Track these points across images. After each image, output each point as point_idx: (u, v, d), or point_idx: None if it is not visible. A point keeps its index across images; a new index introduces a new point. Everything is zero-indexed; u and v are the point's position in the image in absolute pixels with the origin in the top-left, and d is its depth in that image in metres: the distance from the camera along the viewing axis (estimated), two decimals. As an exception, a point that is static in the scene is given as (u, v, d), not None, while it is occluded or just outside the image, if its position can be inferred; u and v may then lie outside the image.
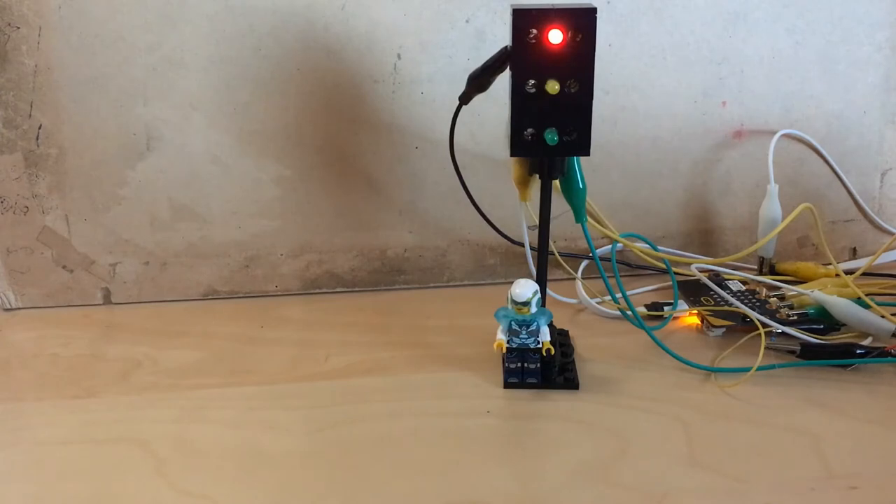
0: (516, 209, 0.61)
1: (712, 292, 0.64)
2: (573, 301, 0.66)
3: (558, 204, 0.55)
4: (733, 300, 0.62)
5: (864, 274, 0.66)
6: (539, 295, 0.52)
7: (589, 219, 0.57)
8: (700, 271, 0.65)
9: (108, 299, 0.68)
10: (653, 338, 0.56)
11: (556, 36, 0.47)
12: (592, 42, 0.48)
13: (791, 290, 0.63)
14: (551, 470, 0.46)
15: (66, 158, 0.63)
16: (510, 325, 0.53)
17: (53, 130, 0.62)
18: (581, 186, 0.54)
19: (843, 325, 0.59)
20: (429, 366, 0.57)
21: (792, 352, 0.56)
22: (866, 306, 0.59)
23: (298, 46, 0.62)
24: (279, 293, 0.69)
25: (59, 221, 0.65)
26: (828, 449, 0.47)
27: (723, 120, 0.68)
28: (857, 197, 0.72)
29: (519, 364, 0.54)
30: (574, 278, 0.66)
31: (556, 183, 0.53)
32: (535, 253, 0.55)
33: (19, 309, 0.67)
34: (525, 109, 0.49)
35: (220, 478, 0.46)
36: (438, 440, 0.49)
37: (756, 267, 0.68)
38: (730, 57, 0.66)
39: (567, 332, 0.60)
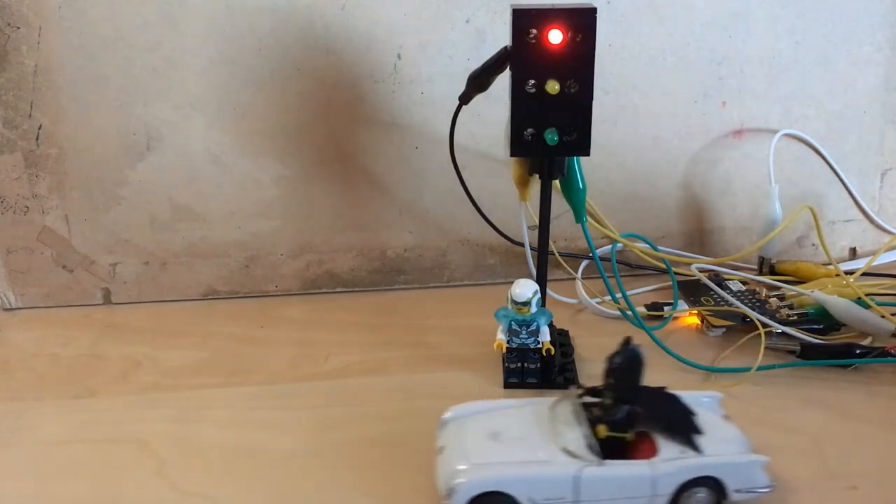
0: (516, 209, 0.61)
1: (712, 292, 0.64)
2: (573, 301, 0.65)
3: (558, 204, 0.55)
4: (733, 300, 0.62)
5: (864, 274, 0.66)
6: (539, 295, 0.52)
7: (589, 219, 0.57)
8: (700, 271, 0.65)
9: (108, 299, 0.68)
10: (653, 338, 0.56)
11: (556, 36, 0.47)
12: (592, 42, 0.48)
13: (791, 290, 0.63)
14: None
15: (66, 158, 0.63)
16: (510, 325, 0.53)
17: (53, 130, 0.62)
18: (581, 186, 0.54)
19: (843, 325, 0.59)
20: (429, 366, 0.57)
21: (792, 352, 0.56)
22: (866, 306, 0.59)
23: (298, 46, 0.62)
24: (279, 293, 0.69)
25: (59, 221, 0.65)
26: (828, 449, 0.47)
27: (723, 120, 0.68)
28: (857, 197, 0.72)
29: (519, 364, 0.54)
30: (574, 278, 0.66)
31: (556, 183, 0.53)
32: (535, 253, 0.55)
33: (19, 309, 0.67)
34: (525, 109, 0.49)
35: (220, 478, 0.46)
36: (438, 440, 0.49)
37: (756, 267, 0.68)
38: (730, 57, 0.66)
39: (567, 332, 0.60)
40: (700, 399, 0.45)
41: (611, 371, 0.42)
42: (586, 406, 0.43)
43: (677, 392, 0.44)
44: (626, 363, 0.41)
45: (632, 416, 0.41)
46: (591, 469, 0.39)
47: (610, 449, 0.40)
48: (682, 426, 0.41)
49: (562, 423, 0.42)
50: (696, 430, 0.41)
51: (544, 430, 0.42)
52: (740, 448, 0.41)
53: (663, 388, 0.44)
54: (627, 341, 0.42)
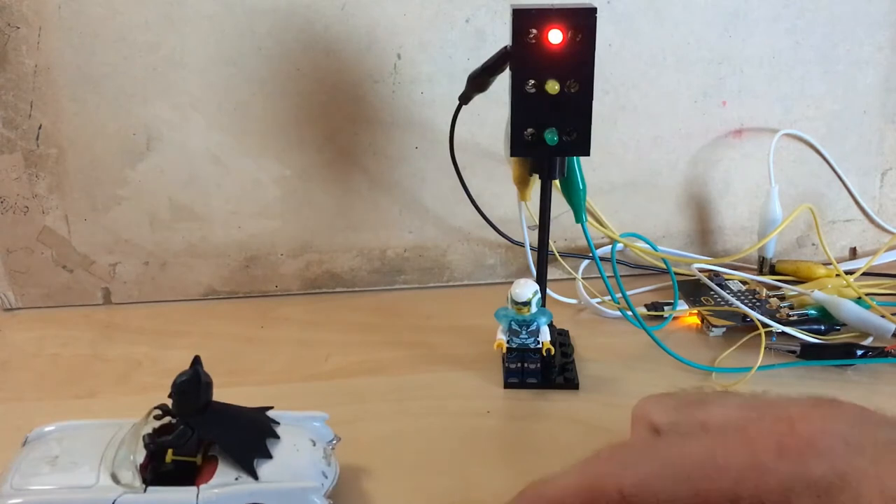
0: (516, 209, 0.61)
1: (712, 292, 0.64)
2: (573, 301, 0.65)
3: (558, 204, 0.55)
4: (733, 300, 0.62)
5: (864, 274, 0.66)
6: (539, 295, 0.52)
7: (589, 219, 0.57)
8: (700, 271, 0.65)
9: (108, 299, 0.68)
10: (653, 338, 0.56)
11: (556, 36, 0.47)
12: (592, 42, 0.48)
13: (791, 290, 0.63)
14: (551, 470, 0.46)
15: (66, 158, 0.63)
16: (510, 325, 0.53)
17: (53, 130, 0.62)
18: (581, 186, 0.54)
19: (843, 325, 0.59)
20: (429, 366, 0.57)
21: (792, 352, 0.56)
22: (866, 306, 0.59)
23: (298, 46, 0.62)
24: (279, 293, 0.69)
25: (59, 221, 0.65)
26: (828, 449, 0.47)
27: (723, 120, 0.68)
28: (857, 197, 0.72)
29: (519, 364, 0.54)
30: (574, 278, 0.66)
31: (556, 183, 0.53)
32: (535, 253, 0.55)
33: (19, 309, 0.67)
34: (525, 109, 0.49)
35: (220, 478, 0.46)
36: (438, 440, 0.49)
37: (756, 267, 0.68)
38: (730, 57, 0.66)
39: (567, 332, 0.60)
40: (303, 420, 0.44)
41: (172, 392, 0.40)
42: (163, 428, 0.41)
43: (277, 412, 0.43)
44: (186, 384, 0.40)
45: (199, 438, 0.40)
46: (130, 496, 0.38)
47: (179, 474, 0.39)
48: (248, 450, 0.40)
49: (128, 446, 0.40)
50: (264, 455, 0.40)
51: (109, 453, 0.40)
52: (308, 474, 0.40)
53: (265, 408, 0.43)
54: (194, 361, 0.41)
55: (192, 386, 0.40)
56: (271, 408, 0.44)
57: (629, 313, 0.58)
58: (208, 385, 0.41)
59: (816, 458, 0.28)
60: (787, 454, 0.28)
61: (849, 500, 0.26)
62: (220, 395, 0.54)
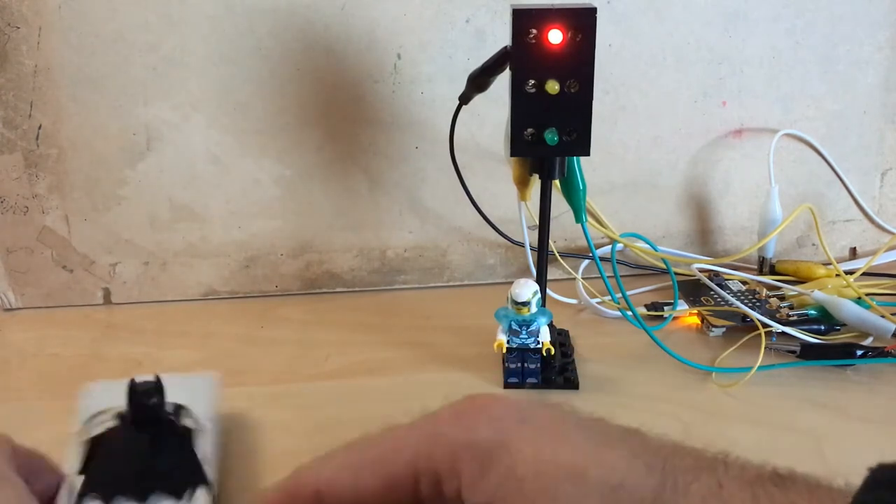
0: (516, 209, 0.61)
1: (712, 292, 0.64)
2: (573, 301, 0.65)
3: (558, 204, 0.55)
4: (733, 300, 0.62)
5: (864, 274, 0.66)
6: (539, 295, 0.52)
7: (589, 219, 0.57)
8: (700, 271, 0.65)
9: (108, 299, 0.68)
10: (653, 338, 0.56)
11: (556, 36, 0.47)
12: (592, 42, 0.48)
13: (791, 290, 0.63)
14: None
15: (66, 158, 0.63)
16: (510, 325, 0.53)
17: (53, 130, 0.62)
18: (581, 186, 0.54)
19: (843, 325, 0.59)
20: (429, 366, 0.57)
21: (792, 352, 0.56)
22: (866, 306, 0.59)
23: (298, 46, 0.62)
24: (279, 293, 0.69)
25: (59, 221, 0.65)
26: (828, 449, 0.47)
27: (723, 120, 0.68)
28: (857, 197, 0.72)
29: (519, 364, 0.54)
30: (574, 278, 0.66)
31: (556, 183, 0.53)
32: (535, 253, 0.55)
33: (19, 309, 0.67)
34: (525, 109, 0.49)
35: (220, 478, 0.46)
36: (438, 440, 0.49)
37: (756, 267, 0.68)
38: (730, 57, 0.66)
39: (567, 332, 0.60)
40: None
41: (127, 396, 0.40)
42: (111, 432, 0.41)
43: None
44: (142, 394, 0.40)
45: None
46: None
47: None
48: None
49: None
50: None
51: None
52: None
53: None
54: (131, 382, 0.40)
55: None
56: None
57: (629, 313, 0.58)
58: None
59: (486, 424, 0.29)
60: (461, 420, 0.30)
61: (505, 463, 0.28)
62: (220, 395, 0.54)
